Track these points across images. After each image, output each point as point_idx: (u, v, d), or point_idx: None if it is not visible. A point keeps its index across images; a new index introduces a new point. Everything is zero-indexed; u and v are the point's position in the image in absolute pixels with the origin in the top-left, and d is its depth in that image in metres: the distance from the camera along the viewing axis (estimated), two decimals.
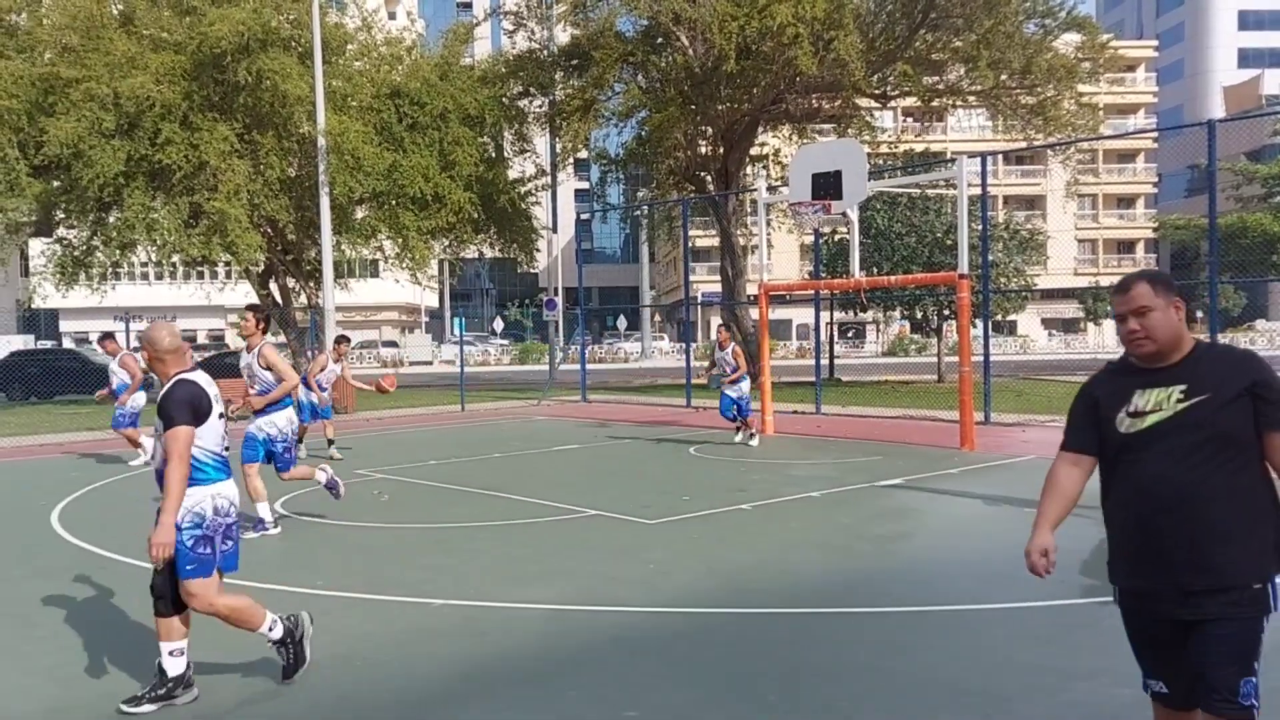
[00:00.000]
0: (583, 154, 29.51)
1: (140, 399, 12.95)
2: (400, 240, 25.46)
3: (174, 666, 4.36)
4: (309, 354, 24.14)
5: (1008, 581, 5.97)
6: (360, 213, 25.95)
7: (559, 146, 27.54)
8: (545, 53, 27.06)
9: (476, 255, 36.14)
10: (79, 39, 22.58)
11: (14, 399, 27.12)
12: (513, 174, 28.76)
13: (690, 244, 25.11)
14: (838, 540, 7.57)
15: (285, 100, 21.96)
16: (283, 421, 8.16)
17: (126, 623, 5.76)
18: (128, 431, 12.89)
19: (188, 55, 22.22)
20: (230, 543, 4.41)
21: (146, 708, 4.29)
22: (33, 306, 42.62)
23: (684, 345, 25.07)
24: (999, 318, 35.06)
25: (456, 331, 69.42)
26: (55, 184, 23.62)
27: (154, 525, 4.14)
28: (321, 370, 13.21)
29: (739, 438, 13.72)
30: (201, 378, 4.42)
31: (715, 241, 34.68)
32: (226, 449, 4.46)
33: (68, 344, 54.81)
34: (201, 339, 61.68)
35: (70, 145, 21.04)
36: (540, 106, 27.81)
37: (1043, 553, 2.93)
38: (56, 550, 7.82)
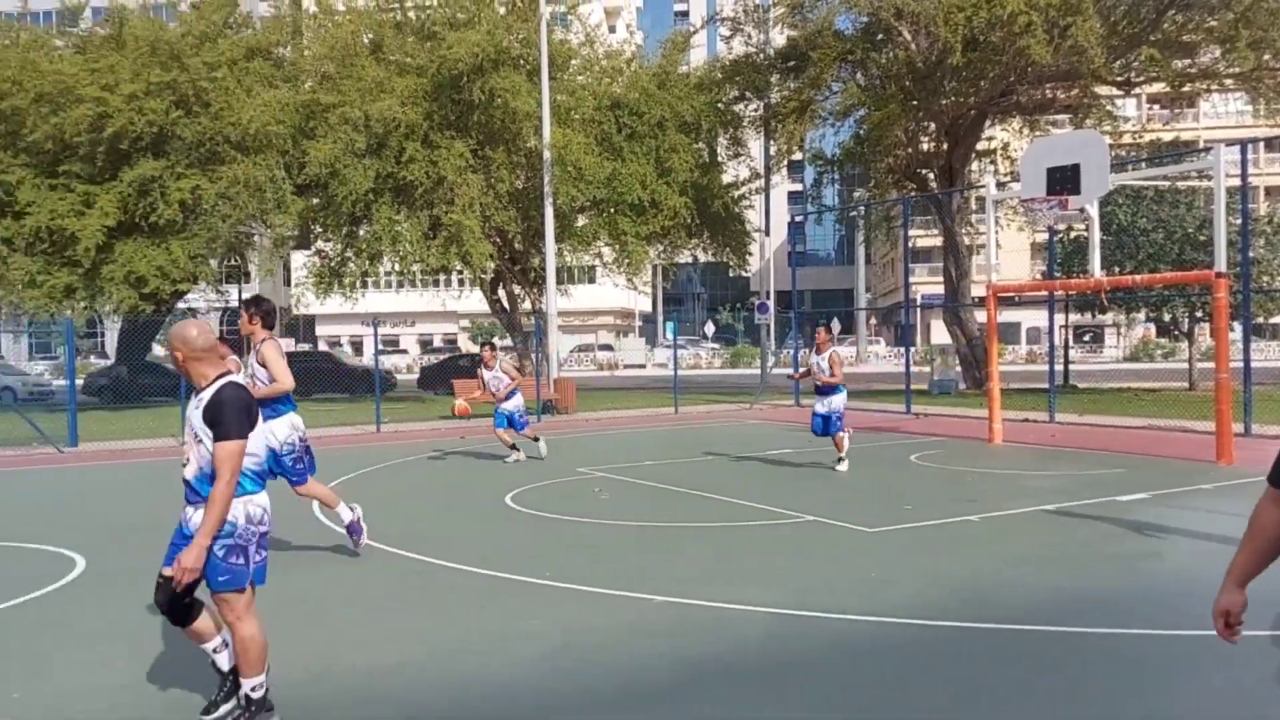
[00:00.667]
0: (797, 156, 29.27)
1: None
2: (618, 245, 26.25)
3: (224, 661, 4.22)
4: (533, 357, 25.31)
5: (1269, 608, 5.42)
6: (581, 220, 26.93)
7: (773, 149, 27.50)
8: (761, 56, 27.08)
9: (690, 259, 36.63)
10: (335, 67, 24.73)
11: None
12: (726, 178, 28.96)
13: (910, 244, 24.37)
14: (1074, 557, 7.13)
15: (515, 116, 23.16)
16: (283, 430, 7.22)
17: (370, 601, 6.27)
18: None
19: (429, 78, 23.86)
20: (263, 553, 4.05)
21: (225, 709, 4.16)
22: (294, 313, 46.99)
23: (902, 349, 24.33)
24: (1260, 320, 31.77)
25: (669, 335, 70.18)
26: (314, 201, 25.99)
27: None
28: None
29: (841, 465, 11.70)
30: (238, 379, 4.04)
31: (937, 241, 33.42)
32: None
33: (322, 347, 60.11)
34: (437, 342, 65.89)
35: (328, 165, 23.08)
36: (755, 110, 27.86)
37: (1224, 614, 2.48)
38: (317, 534, 8.60)
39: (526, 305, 28.47)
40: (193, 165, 24.67)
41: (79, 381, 23.27)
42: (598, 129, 25.08)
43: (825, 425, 11.62)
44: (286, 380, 7.07)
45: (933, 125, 25.63)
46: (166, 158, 24.56)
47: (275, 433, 7.05)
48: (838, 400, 11.54)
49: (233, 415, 3.81)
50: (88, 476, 13.02)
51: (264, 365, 7.15)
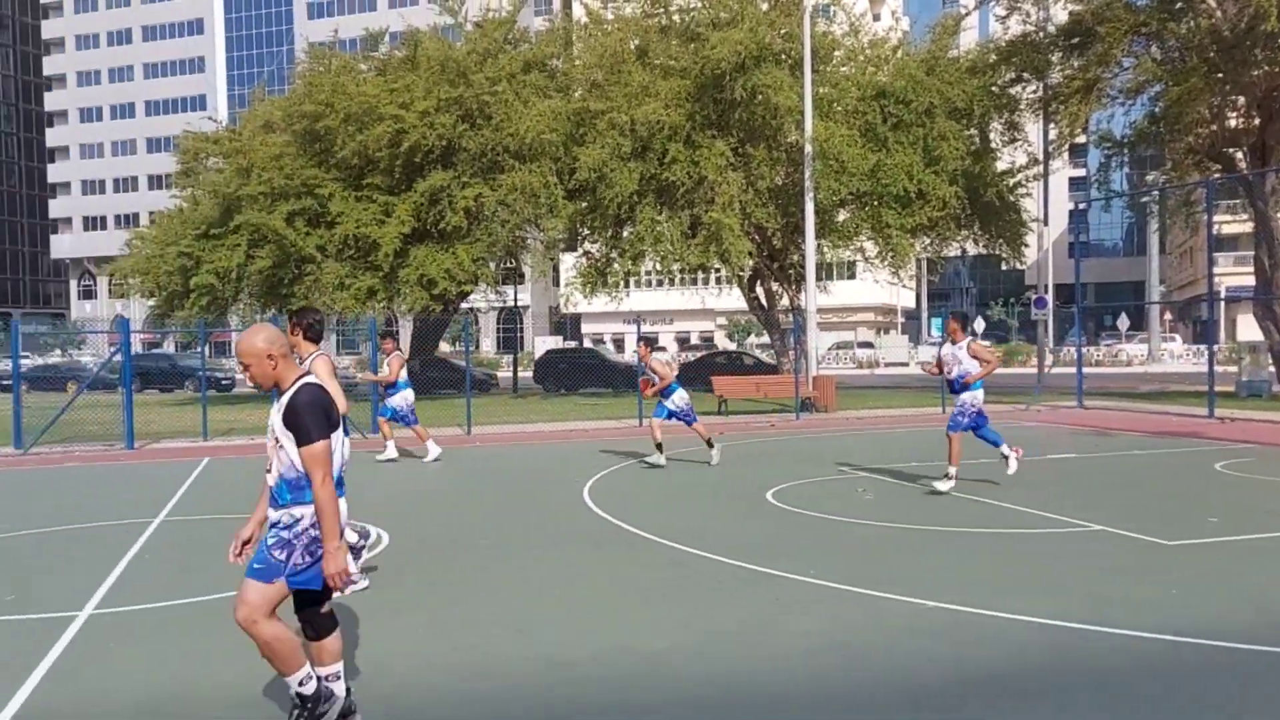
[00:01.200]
0: (1081, 139, 27.16)
1: (410, 395, 13.57)
2: (881, 239, 25.53)
3: (310, 688, 3.89)
4: (791, 354, 25.16)
5: None
6: (842, 214, 26.44)
7: (1053, 133, 25.67)
8: (1041, 34, 25.36)
9: (958, 252, 34.98)
10: (604, 75, 25.76)
11: (549, 391, 31.68)
12: (1001, 165, 27.42)
13: (1214, 231, 21.96)
14: None
15: (776, 112, 23.11)
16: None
17: (638, 589, 6.47)
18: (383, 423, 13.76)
19: (692, 79, 24.32)
20: (309, 559, 3.80)
21: None
22: (562, 311, 49.43)
23: (1201, 347, 21.98)
24: None
25: (934, 332, 67.33)
26: (583, 204, 27.21)
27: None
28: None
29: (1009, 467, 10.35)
30: (316, 380, 3.86)
31: (1245, 227, 29.93)
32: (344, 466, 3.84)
33: (588, 344, 62.86)
34: (694, 339, 67.09)
35: (596, 170, 24.09)
36: (1033, 92, 26.14)
37: None
38: (587, 520, 9.01)
39: (785, 302, 28.35)
40: (476, 175, 26.58)
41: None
42: (861, 120, 24.53)
43: (977, 426, 10.19)
44: (340, 402, 6.18)
45: (1241, 99, 22.95)
46: (454, 168, 26.61)
47: None
48: (968, 398, 9.99)
49: (311, 417, 3.70)
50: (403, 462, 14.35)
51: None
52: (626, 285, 29.99)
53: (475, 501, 10.27)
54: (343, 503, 3.91)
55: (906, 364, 54.79)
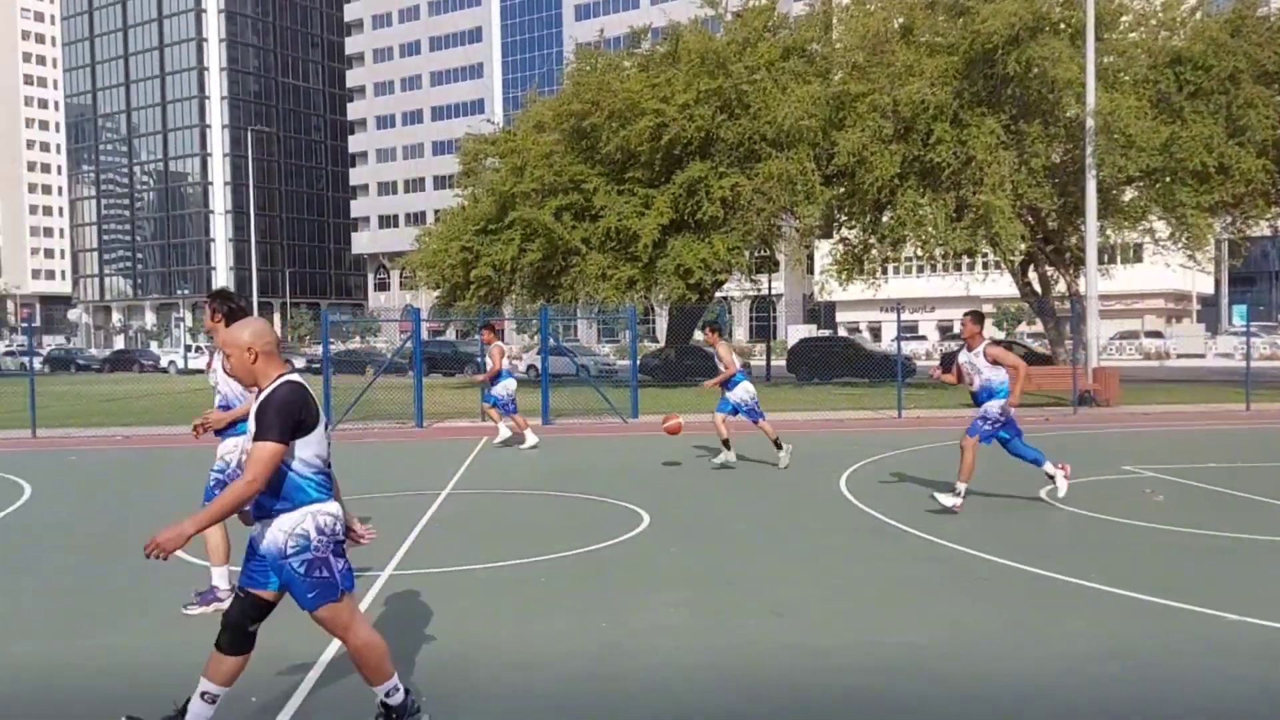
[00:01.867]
0: None
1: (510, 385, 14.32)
2: (1174, 219, 23.29)
3: (198, 711, 3.67)
4: (1067, 344, 23.50)
5: None
6: (1129, 193, 24.35)
7: None
8: None
9: (1268, 232, 31.22)
10: (865, 56, 25.16)
11: (802, 380, 31.45)
12: None
13: None
14: None
15: (1054, 85, 21.69)
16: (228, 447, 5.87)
17: (900, 582, 6.31)
18: (491, 410, 14.54)
19: (959, 55, 23.24)
20: (344, 560, 3.69)
21: None
22: (816, 299, 48.81)
23: None
24: None
25: (1237, 321, 60.53)
26: (840, 190, 26.74)
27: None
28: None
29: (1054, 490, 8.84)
30: (299, 378, 3.65)
31: None
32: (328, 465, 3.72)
33: (842, 332, 61.73)
34: (957, 328, 64.15)
35: (855, 154, 23.59)
36: None
37: None
38: (844, 511, 8.90)
39: (1061, 288, 26.50)
40: (733, 164, 26.80)
41: (638, 361, 26.61)
42: (1152, 90, 22.47)
43: (1006, 439, 8.82)
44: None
45: None
46: (711, 159, 26.97)
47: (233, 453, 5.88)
48: (993, 406, 8.57)
49: (277, 416, 3.47)
50: (647, 443, 14.83)
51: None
52: (884, 272, 29.18)
53: (729, 487, 10.42)
54: (334, 504, 3.69)
55: (1203, 355, 49.66)
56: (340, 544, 3.70)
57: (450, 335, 62.28)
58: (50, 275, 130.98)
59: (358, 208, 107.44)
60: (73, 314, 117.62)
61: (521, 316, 34.30)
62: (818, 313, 73.61)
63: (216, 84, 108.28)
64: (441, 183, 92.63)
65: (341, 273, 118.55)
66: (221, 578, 5.88)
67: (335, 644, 5.11)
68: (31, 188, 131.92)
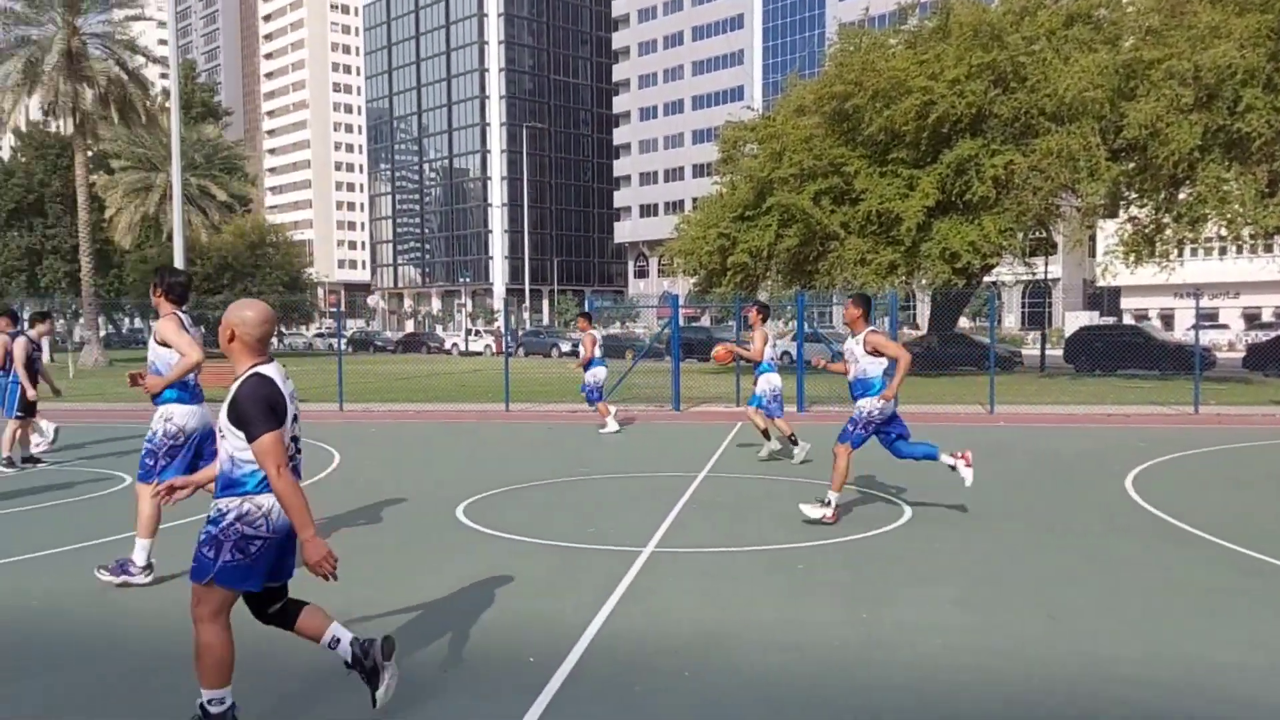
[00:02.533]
0: None
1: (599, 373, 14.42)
2: None
3: (217, 710, 3.72)
4: None
5: None
6: None
7: None
8: None
9: None
10: (1161, 19, 22.94)
11: (1081, 371, 29.24)
12: None
13: None
14: None
15: None
16: (156, 421, 6.01)
17: (1199, 590, 5.75)
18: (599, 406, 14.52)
19: (1275, 12, 20.67)
20: (239, 556, 3.61)
21: None
22: (1098, 284, 45.13)
23: None
24: None
25: None
26: (1129, 166, 24.55)
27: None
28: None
29: None
30: (275, 371, 3.68)
31: None
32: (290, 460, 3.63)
33: (1128, 319, 56.72)
34: (1266, 316, 57.29)
35: (1147, 126, 21.59)
36: None
37: None
38: (1129, 511, 8.22)
39: None
40: (1006, 141, 25.30)
41: None
42: None
43: (892, 439, 8.03)
44: (192, 353, 5.81)
45: None
46: (982, 136, 25.60)
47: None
48: (864, 405, 7.79)
49: (253, 410, 3.54)
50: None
51: (164, 344, 5.97)
52: (1179, 254, 26.51)
53: (999, 481, 9.90)
54: (268, 499, 3.66)
55: None
56: (249, 540, 3.62)
57: (705, 321, 63.18)
58: (353, 265, 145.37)
59: (620, 198, 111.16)
60: (371, 300, 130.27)
61: (777, 302, 34.21)
62: (1099, 298, 68.16)
63: (495, 84, 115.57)
64: (700, 171, 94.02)
65: (604, 261, 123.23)
66: (143, 552, 6.00)
67: (606, 612, 5.38)
68: (338, 186, 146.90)
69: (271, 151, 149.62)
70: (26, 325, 11.95)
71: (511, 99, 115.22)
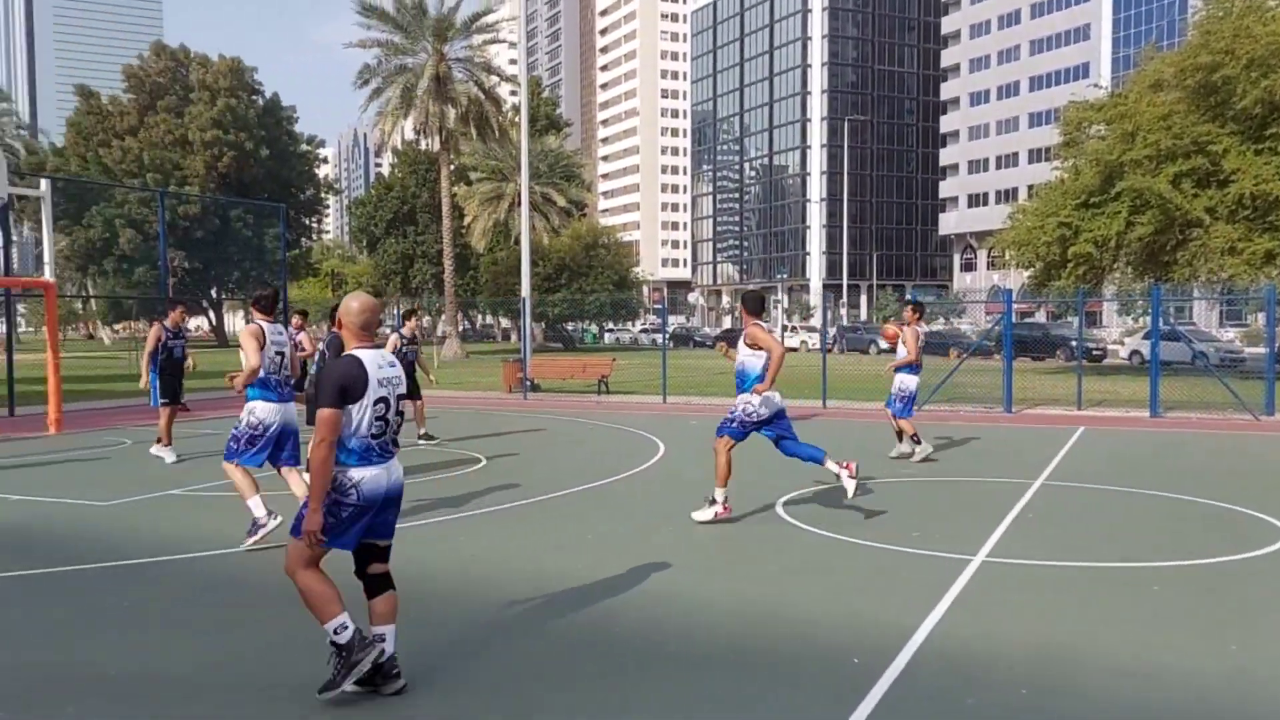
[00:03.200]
0: None
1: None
2: None
3: (344, 638, 4.10)
4: None
5: None
6: None
7: None
8: None
9: None
10: None
11: None
12: None
13: None
14: None
15: None
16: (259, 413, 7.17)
17: None
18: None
19: None
20: (331, 520, 4.05)
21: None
22: None
23: None
24: None
25: None
26: None
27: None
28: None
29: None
30: (371, 357, 4.13)
31: None
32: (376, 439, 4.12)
33: None
34: None
35: None
36: None
37: None
38: None
39: None
40: None
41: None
42: None
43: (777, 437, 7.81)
44: (251, 360, 7.11)
45: None
46: None
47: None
48: (740, 400, 7.74)
49: (325, 387, 4.02)
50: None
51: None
52: None
53: None
54: (365, 471, 4.12)
55: None
56: (340, 506, 4.07)
57: (1040, 317, 58.95)
58: (675, 263, 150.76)
59: (946, 188, 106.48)
60: (691, 297, 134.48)
61: (1126, 296, 31.18)
62: None
63: (817, 79, 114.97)
64: (1037, 156, 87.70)
65: (927, 254, 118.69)
66: (258, 505, 7.01)
67: (934, 619, 5.22)
68: (663, 188, 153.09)
69: (605, 158, 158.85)
70: (400, 321, 13.67)
71: (833, 93, 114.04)
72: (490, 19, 44.42)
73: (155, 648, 4.92)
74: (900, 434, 11.50)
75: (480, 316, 77.50)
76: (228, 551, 6.94)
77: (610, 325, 68.00)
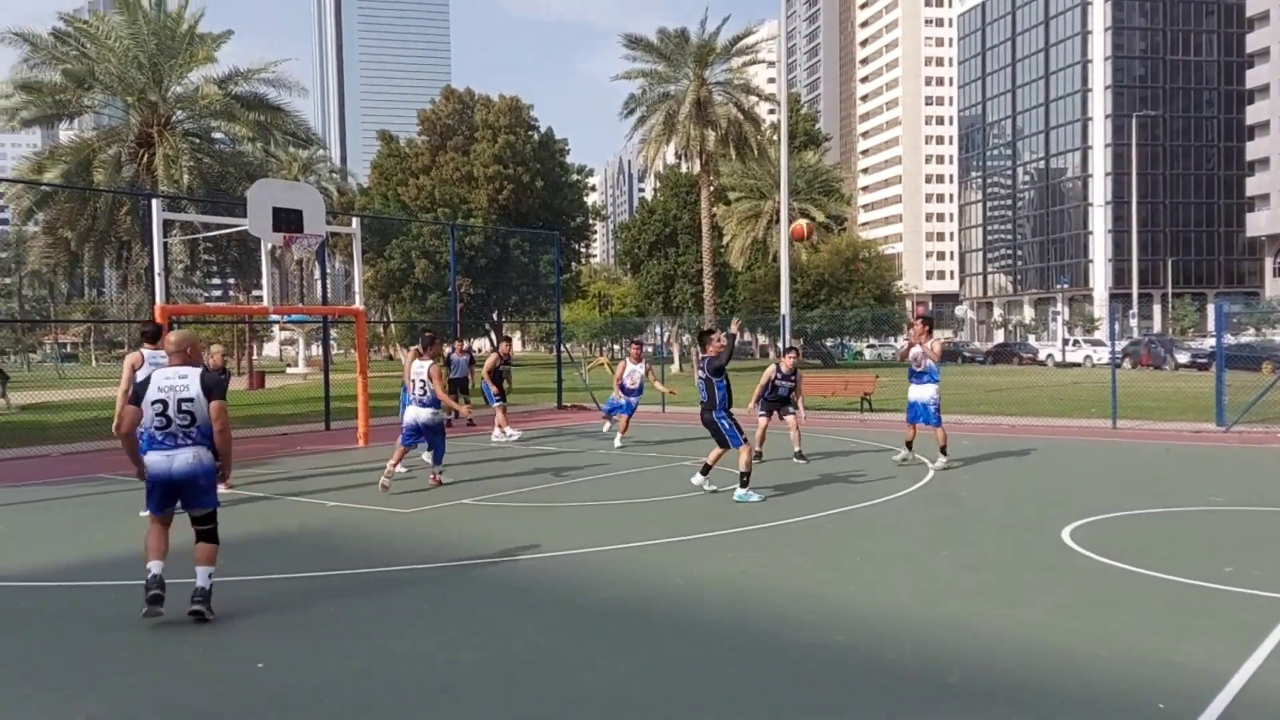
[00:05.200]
0: None
1: None
2: None
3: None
4: None
5: None
6: None
7: None
8: None
9: None
10: None
11: None
12: None
13: None
14: None
15: None
16: None
17: None
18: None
19: None
20: None
21: None
22: None
23: None
24: None
25: None
26: None
27: None
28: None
29: None
30: (159, 375, 5.77)
31: None
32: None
33: None
34: None
35: None
36: None
37: None
38: None
39: None
40: None
41: None
42: None
43: None
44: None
45: None
46: None
47: None
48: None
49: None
50: None
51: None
52: None
53: None
54: None
55: None
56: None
57: None
58: (940, 276, 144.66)
59: (1254, 185, 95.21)
60: (959, 310, 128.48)
61: None
62: None
63: (1099, 75, 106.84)
64: None
65: (1231, 258, 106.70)
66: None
67: (1253, 666, 4.70)
68: (927, 199, 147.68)
69: (865, 171, 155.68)
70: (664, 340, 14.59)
71: (1118, 88, 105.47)
72: (749, 40, 44.93)
73: (451, 646, 5.36)
74: (910, 444, 12.27)
75: (738, 334, 78.23)
76: (514, 559, 7.43)
77: (872, 341, 66.37)
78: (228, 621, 5.75)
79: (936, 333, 13.39)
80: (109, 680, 4.83)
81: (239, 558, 7.27)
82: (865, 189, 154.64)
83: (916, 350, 11.96)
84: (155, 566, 5.60)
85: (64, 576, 7.02)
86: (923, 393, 11.86)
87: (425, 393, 10.74)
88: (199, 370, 5.80)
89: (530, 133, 61.85)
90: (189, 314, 23.18)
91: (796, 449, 12.91)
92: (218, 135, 27.82)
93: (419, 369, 10.85)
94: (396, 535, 8.45)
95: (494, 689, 4.61)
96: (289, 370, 63.85)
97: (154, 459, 5.68)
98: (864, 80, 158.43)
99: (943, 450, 11.87)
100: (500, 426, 16.07)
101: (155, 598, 5.50)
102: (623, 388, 15.30)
